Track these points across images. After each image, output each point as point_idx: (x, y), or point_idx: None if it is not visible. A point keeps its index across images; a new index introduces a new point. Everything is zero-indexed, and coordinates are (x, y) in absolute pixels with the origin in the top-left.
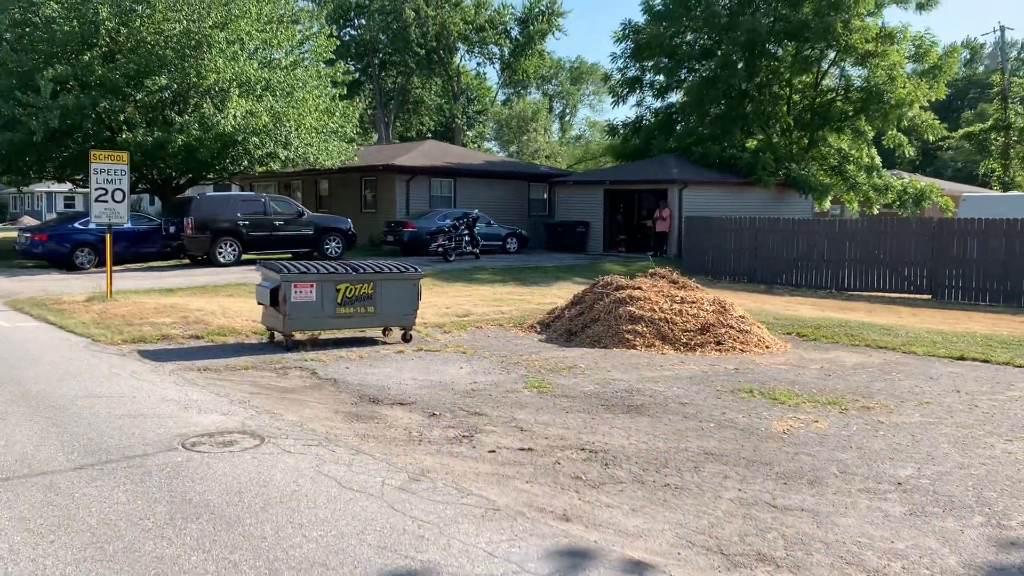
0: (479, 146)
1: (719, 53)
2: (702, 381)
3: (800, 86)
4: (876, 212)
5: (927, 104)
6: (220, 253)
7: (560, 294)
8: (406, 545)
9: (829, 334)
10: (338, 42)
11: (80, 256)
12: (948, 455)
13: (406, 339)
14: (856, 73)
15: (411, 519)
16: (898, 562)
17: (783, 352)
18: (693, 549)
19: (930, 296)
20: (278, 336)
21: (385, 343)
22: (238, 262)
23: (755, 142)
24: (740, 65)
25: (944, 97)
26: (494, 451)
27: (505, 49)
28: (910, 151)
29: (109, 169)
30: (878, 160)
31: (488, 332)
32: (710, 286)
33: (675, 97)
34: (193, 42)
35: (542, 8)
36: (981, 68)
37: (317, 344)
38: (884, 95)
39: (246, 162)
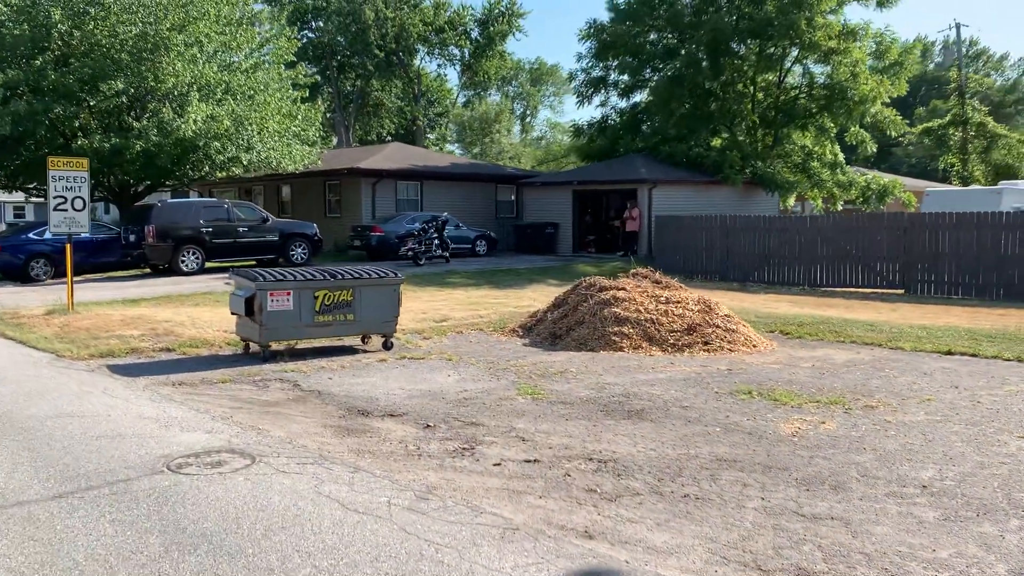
0: (441, 148)
1: (683, 52)
2: (697, 383)
3: (764, 84)
4: (840, 208)
5: (888, 100)
6: (183, 262)
7: (535, 296)
8: (425, 573)
9: (813, 331)
10: (299, 44)
11: (36, 267)
12: (965, 455)
13: (387, 347)
14: (819, 71)
15: (426, 543)
16: (945, 573)
17: (771, 351)
18: (729, 566)
19: (903, 291)
20: (254, 347)
21: (366, 351)
22: (201, 270)
23: (721, 141)
24: (705, 64)
25: (906, 93)
26: (499, 464)
27: (465, 51)
28: (872, 147)
29: (68, 176)
30: (841, 157)
31: (470, 337)
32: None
33: (640, 97)
34: (150, 45)
35: (502, 9)
36: (932, 65)
37: (295, 354)
38: (847, 92)
39: (207, 168)
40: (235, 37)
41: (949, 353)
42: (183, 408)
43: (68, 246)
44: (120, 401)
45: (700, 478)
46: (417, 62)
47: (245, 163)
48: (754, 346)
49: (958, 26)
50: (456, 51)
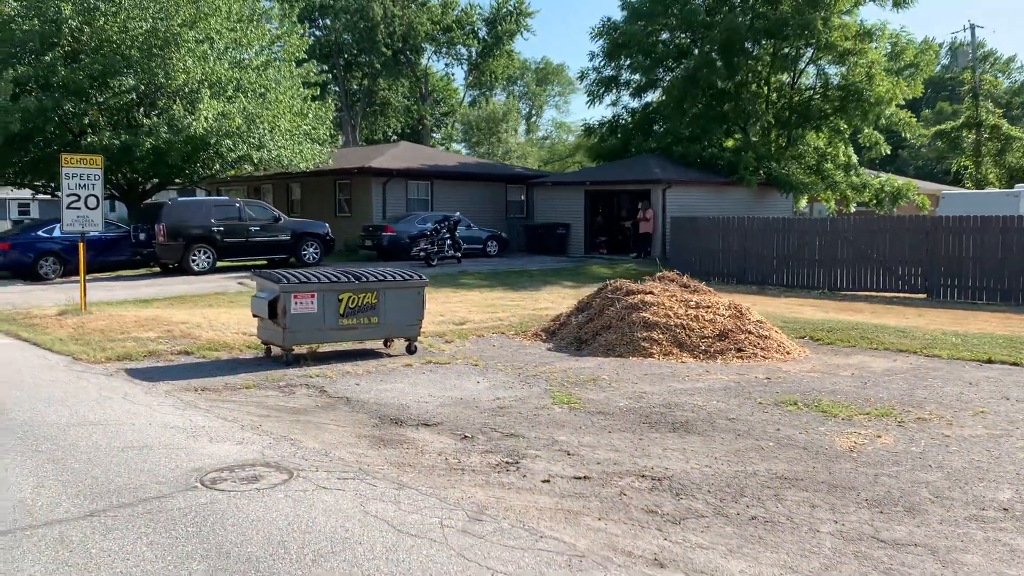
0: (447, 148)
1: (697, 52)
2: (738, 393)
3: (777, 85)
4: (853, 210)
5: (903, 102)
6: (194, 261)
7: (551, 299)
8: None
9: (844, 337)
10: (310, 41)
11: (45, 266)
12: None
13: (411, 351)
14: (834, 71)
15: (488, 571)
16: None
17: (805, 358)
18: None
19: (925, 295)
20: (276, 350)
21: (389, 355)
22: (213, 270)
23: (733, 142)
24: (719, 64)
25: (921, 94)
26: (548, 481)
27: (473, 50)
28: (886, 149)
29: (82, 174)
30: (855, 159)
31: (492, 341)
32: None
33: (652, 96)
34: (160, 41)
35: (510, 8)
36: (938, 68)
37: (318, 358)
38: (863, 93)
39: (217, 166)
40: (246, 34)
41: (989, 362)
42: (209, 416)
43: (81, 245)
44: (143, 408)
45: (764, 498)
46: (424, 61)
47: (256, 161)
48: (787, 353)
49: (972, 27)
50: (463, 50)
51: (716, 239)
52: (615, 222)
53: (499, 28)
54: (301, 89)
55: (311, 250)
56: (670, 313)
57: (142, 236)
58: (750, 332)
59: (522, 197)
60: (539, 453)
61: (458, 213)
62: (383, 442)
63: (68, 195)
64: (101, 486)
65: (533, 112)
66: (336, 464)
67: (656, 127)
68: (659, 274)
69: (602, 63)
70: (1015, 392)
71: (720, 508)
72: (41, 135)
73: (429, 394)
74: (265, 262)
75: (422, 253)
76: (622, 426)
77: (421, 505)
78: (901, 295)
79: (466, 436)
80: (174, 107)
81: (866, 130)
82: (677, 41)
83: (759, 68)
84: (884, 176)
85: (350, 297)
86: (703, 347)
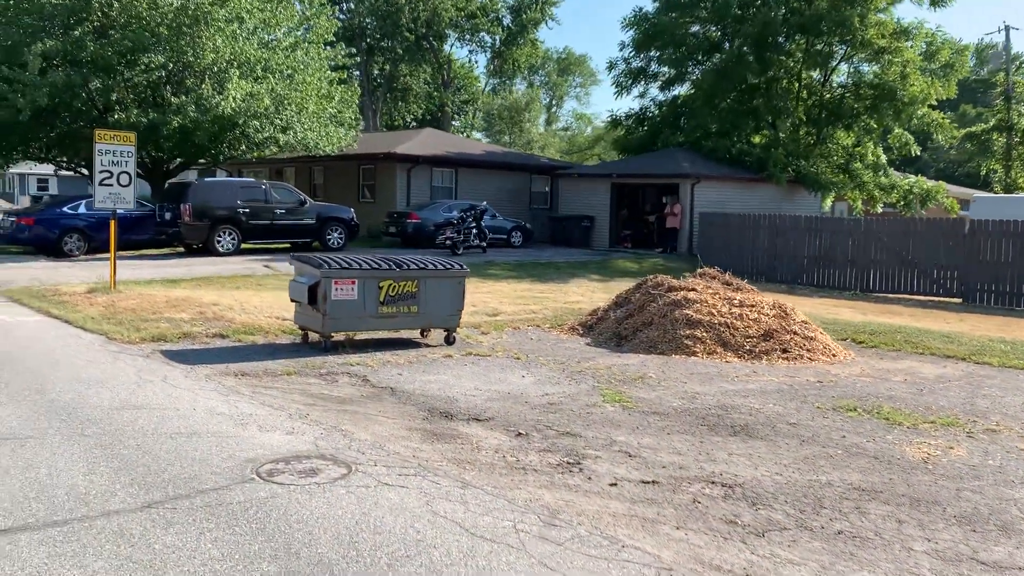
0: (468, 136)
1: (730, 46)
2: (792, 396)
3: (808, 81)
4: (879, 211)
5: (935, 103)
6: (219, 242)
7: (580, 292)
8: None
9: (888, 341)
10: (338, 23)
11: (69, 243)
12: None
13: (449, 341)
14: (867, 69)
15: None
16: None
17: (852, 361)
18: None
19: (960, 300)
20: (313, 336)
21: (427, 345)
22: (237, 252)
23: (761, 138)
24: (751, 59)
25: (955, 95)
26: (615, 484)
27: (497, 38)
28: (916, 150)
29: (115, 150)
30: (884, 159)
31: (528, 334)
32: None
33: (681, 89)
34: (190, 19)
35: None
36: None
37: (356, 346)
38: (896, 93)
39: (244, 147)
40: (275, 14)
41: None
42: (253, 403)
43: (113, 223)
44: (185, 392)
45: (846, 511)
46: (447, 48)
47: (281, 144)
48: (833, 355)
49: (1007, 28)
50: (487, 38)
51: (746, 237)
52: (639, 216)
53: (524, 16)
54: (328, 72)
55: (336, 235)
56: (713, 311)
57: (167, 216)
58: (795, 333)
59: (546, 188)
60: (599, 454)
61: (484, 202)
62: (436, 436)
63: (100, 171)
64: (154, 475)
65: (554, 103)
66: (393, 459)
67: (684, 121)
68: (700, 271)
69: (631, 54)
70: None
71: (802, 520)
72: (68, 111)
73: (475, 387)
74: (289, 245)
75: (448, 242)
76: (680, 428)
77: (490, 506)
78: (936, 299)
79: (520, 433)
80: (203, 86)
81: (896, 130)
82: (707, 34)
83: (790, 64)
84: (913, 178)
85: (390, 285)
86: (747, 347)
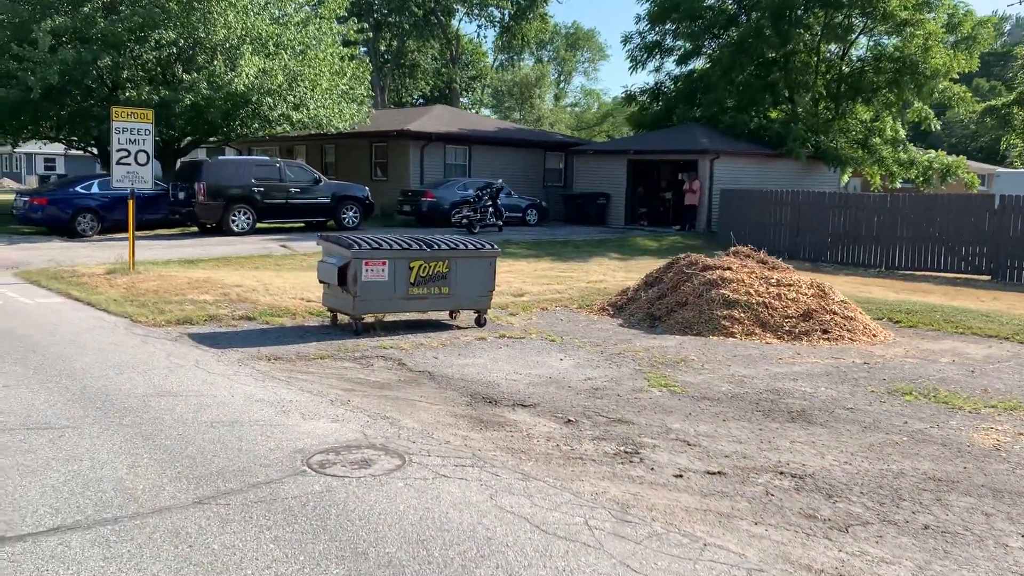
0: (477, 112)
1: (747, 19)
2: (842, 379)
3: (826, 55)
4: (898, 186)
5: (956, 76)
6: (233, 222)
7: (601, 271)
8: None
9: (926, 320)
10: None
11: (82, 222)
12: None
13: (480, 323)
14: (888, 42)
15: None
16: None
17: (893, 341)
18: None
19: (989, 277)
20: (342, 318)
21: (458, 327)
22: (252, 231)
23: (779, 113)
24: (768, 32)
25: (978, 68)
26: (680, 476)
27: (506, 12)
28: (936, 124)
29: (132, 128)
30: (903, 133)
31: (558, 315)
32: None
33: (697, 64)
34: None
35: None
36: None
37: (386, 328)
38: (918, 66)
39: (256, 124)
40: None
41: None
42: (291, 389)
43: (131, 202)
44: (220, 378)
45: (926, 503)
46: (455, 23)
47: (295, 121)
48: (874, 335)
49: None
50: (496, 12)
51: (768, 213)
52: (655, 193)
53: None
54: (340, 47)
55: (351, 214)
56: (751, 291)
57: (181, 195)
58: (835, 313)
59: (560, 165)
60: (656, 442)
61: (500, 180)
62: (483, 423)
63: (118, 150)
64: (201, 467)
65: (562, 79)
66: (445, 448)
67: (700, 96)
68: (733, 249)
69: (646, 27)
70: None
71: (884, 514)
72: (78, 88)
73: (514, 371)
74: (303, 224)
75: (464, 220)
76: (735, 414)
77: (556, 500)
78: (964, 276)
79: (570, 420)
80: (214, 63)
81: (915, 104)
82: (724, 7)
83: (807, 38)
84: (933, 153)
85: (421, 265)
86: (787, 327)
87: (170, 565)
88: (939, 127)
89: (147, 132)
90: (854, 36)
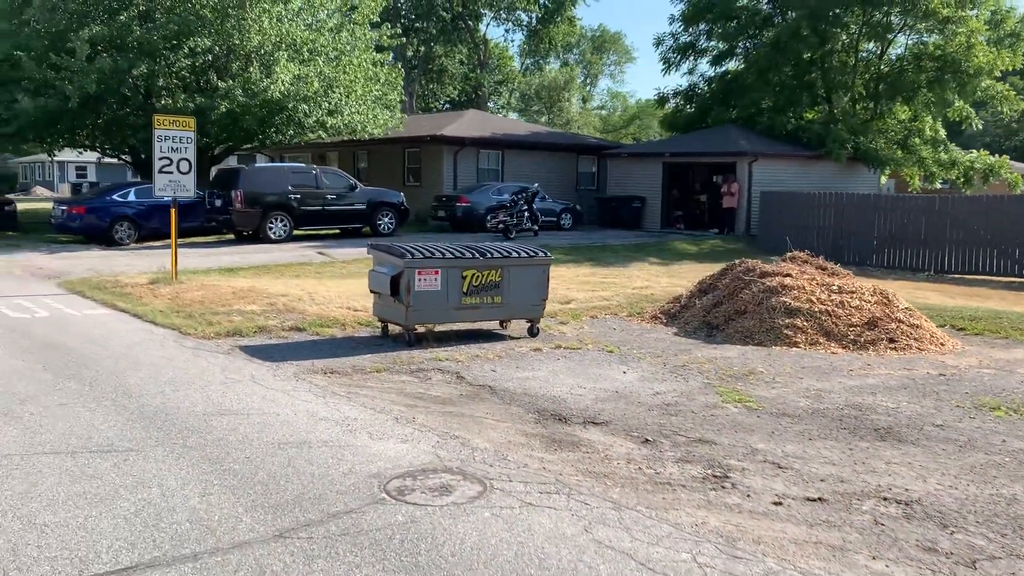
0: (505, 116)
1: (783, 19)
2: (922, 392)
3: (864, 54)
4: (937, 188)
5: (999, 74)
6: (271, 229)
7: (644, 276)
8: None
9: (992, 327)
10: (384, 3)
11: (119, 231)
12: None
13: (533, 333)
14: (928, 40)
15: None
16: None
17: (962, 351)
18: None
19: None
20: (394, 329)
21: (510, 337)
22: (289, 238)
23: (815, 113)
24: (806, 32)
25: (1022, 65)
26: (780, 503)
27: (533, 16)
28: (977, 124)
29: (174, 136)
30: (943, 133)
31: (609, 323)
32: None
33: (731, 65)
34: (235, 1)
35: None
36: None
37: (439, 339)
38: (961, 64)
39: (291, 131)
40: None
41: None
42: (353, 405)
43: (173, 211)
44: (279, 394)
45: None
46: (482, 28)
47: (329, 127)
48: (941, 344)
49: None
50: (524, 16)
51: (810, 215)
52: (690, 196)
53: None
54: (373, 53)
55: (386, 220)
56: (812, 298)
57: (218, 202)
58: (900, 321)
59: (593, 168)
60: (744, 465)
61: (536, 184)
62: (556, 443)
63: (160, 158)
64: (274, 495)
65: (588, 81)
66: (525, 472)
67: (735, 97)
68: (790, 254)
69: (680, 28)
70: None
71: (1009, 547)
72: (114, 97)
73: (578, 384)
74: (338, 231)
75: (500, 225)
76: (819, 432)
77: (656, 533)
78: (1019, 280)
79: (647, 440)
80: (250, 69)
81: (957, 103)
82: (758, 7)
83: (845, 37)
84: (975, 153)
85: (474, 274)
86: (852, 336)
87: None
88: (980, 125)
89: (189, 140)
90: (893, 35)
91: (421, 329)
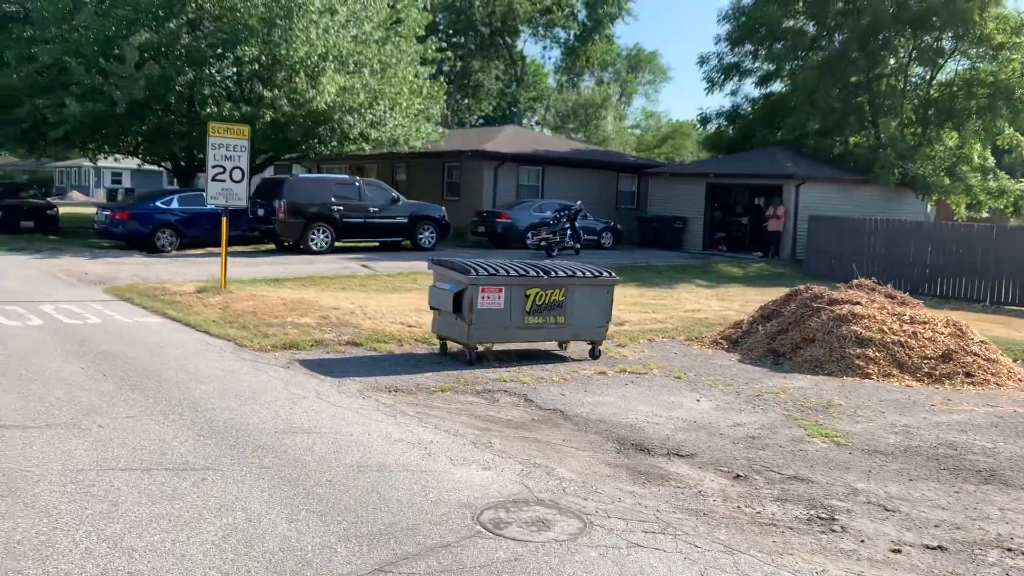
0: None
1: (831, 41)
2: (1017, 432)
3: (914, 79)
4: (984, 217)
5: None
6: (312, 240)
7: (693, 299)
8: None
9: None
10: (430, 16)
11: (161, 238)
12: None
13: (594, 355)
14: (980, 66)
15: None
16: None
17: None
18: None
19: None
20: (453, 346)
21: (572, 359)
22: (330, 250)
23: (859, 138)
24: (855, 55)
25: None
26: (898, 551)
27: (571, 32)
28: None
29: (228, 144)
30: (991, 161)
31: (668, 347)
32: None
33: (777, 86)
34: (282, 11)
35: None
36: None
37: (499, 358)
38: (1014, 91)
39: (335, 142)
40: (366, 7)
41: None
42: (426, 427)
43: (224, 220)
44: (348, 412)
45: None
46: (520, 44)
47: (373, 139)
48: (1020, 380)
49: None
50: (562, 32)
51: (859, 241)
52: (731, 218)
53: (600, 10)
54: (418, 67)
55: (427, 234)
56: (884, 328)
57: (260, 212)
58: (976, 354)
59: (633, 187)
60: (848, 506)
61: (579, 202)
62: (643, 475)
63: (213, 166)
64: (366, 523)
65: (622, 100)
66: (620, 508)
67: (779, 119)
68: (856, 281)
69: (725, 48)
70: None
71: None
72: (160, 104)
73: (653, 412)
74: (378, 244)
75: (543, 243)
76: (918, 472)
77: None
78: None
79: (738, 476)
80: (296, 79)
81: (1007, 131)
82: (805, 29)
83: (892, 61)
84: None
85: (537, 293)
86: (926, 369)
87: None
88: None
89: (243, 148)
90: (944, 59)
91: (481, 348)
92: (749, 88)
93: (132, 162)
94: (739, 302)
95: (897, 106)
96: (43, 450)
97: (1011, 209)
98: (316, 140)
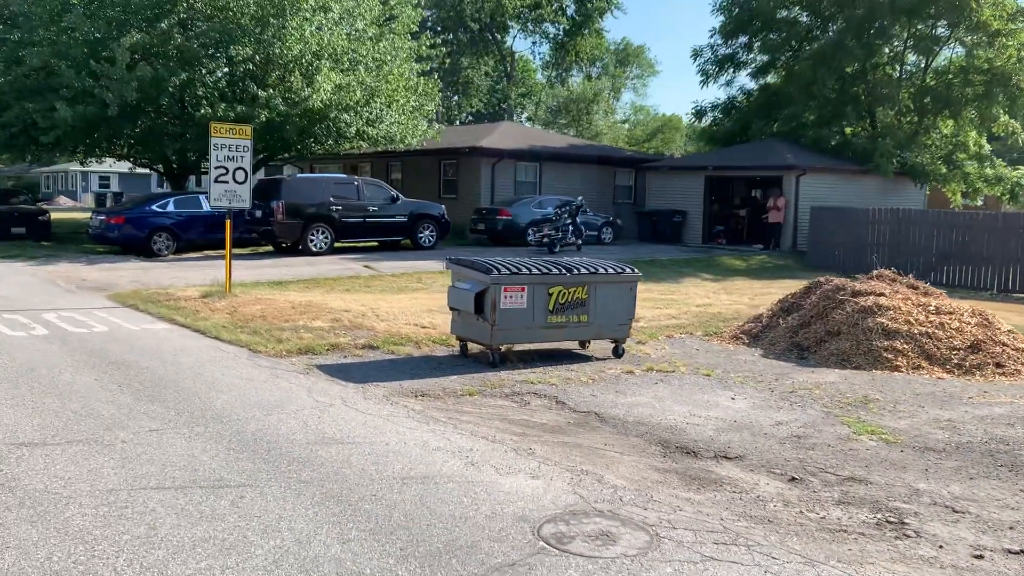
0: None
1: (826, 31)
2: None
3: (910, 67)
4: (979, 204)
5: None
6: (312, 241)
7: (703, 294)
8: None
9: None
10: (424, 13)
11: (158, 242)
12: None
13: (618, 353)
14: (977, 53)
15: None
16: None
17: None
18: None
19: None
20: (473, 348)
21: (595, 359)
22: (330, 251)
23: (858, 128)
24: (851, 44)
25: None
26: (981, 556)
27: (560, 27)
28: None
29: (231, 144)
30: (987, 149)
31: (688, 344)
32: None
33: (772, 78)
34: (275, 9)
35: None
36: None
37: (522, 359)
38: (1011, 78)
39: (331, 141)
40: (359, 3)
41: None
42: (461, 433)
43: (228, 222)
44: (378, 420)
45: None
46: (509, 40)
47: (369, 137)
48: None
49: None
50: (551, 28)
51: (863, 231)
52: (729, 210)
53: (589, 5)
54: (413, 64)
55: (427, 233)
56: (910, 319)
57: (258, 213)
58: (1005, 344)
59: (630, 182)
60: (915, 509)
61: (580, 198)
62: (696, 481)
63: (216, 167)
64: (423, 542)
65: (611, 94)
66: (684, 518)
67: (775, 111)
68: (875, 272)
69: (719, 41)
70: None
71: None
72: (152, 106)
73: (689, 412)
74: (377, 244)
75: (545, 239)
76: (977, 470)
77: None
78: None
79: (793, 478)
80: (291, 78)
81: (1002, 118)
82: (800, 19)
83: (887, 50)
84: (1022, 169)
85: (560, 291)
86: (955, 360)
87: None
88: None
89: (246, 148)
90: (940, 47)
91: (503, 349)
92: (744, 80)
93: (120, 166)
94: (748, 295)
95: (894, 95)
96: (68, 469)
97: (1007, 196)
98: (312, 139)
